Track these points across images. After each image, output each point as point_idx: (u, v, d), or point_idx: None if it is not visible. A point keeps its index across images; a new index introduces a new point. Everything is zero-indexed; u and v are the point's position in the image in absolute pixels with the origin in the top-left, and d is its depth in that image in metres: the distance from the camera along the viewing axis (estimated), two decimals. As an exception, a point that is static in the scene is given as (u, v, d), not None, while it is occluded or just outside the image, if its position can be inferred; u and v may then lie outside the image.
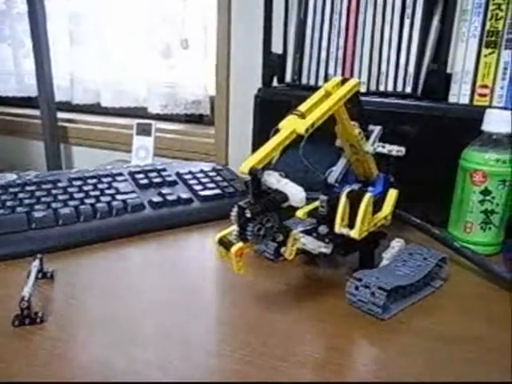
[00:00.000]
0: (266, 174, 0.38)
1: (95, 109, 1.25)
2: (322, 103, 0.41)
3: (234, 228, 0.40)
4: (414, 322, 0.43)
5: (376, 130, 0.48)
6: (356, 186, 0.49)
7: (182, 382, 0.35)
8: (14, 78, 1.32)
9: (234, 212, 0.39)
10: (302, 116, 0.39)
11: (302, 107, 0.41)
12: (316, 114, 0.40)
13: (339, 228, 0.44)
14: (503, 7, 0.59)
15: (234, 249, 0.39)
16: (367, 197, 0.44)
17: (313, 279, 0.51)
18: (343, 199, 0.44)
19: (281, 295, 0.47)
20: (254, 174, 0.37)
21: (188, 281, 0.49)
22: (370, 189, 0.50)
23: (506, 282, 0.49)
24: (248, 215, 0.37)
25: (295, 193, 0.38)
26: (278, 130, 0.39)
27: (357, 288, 0.44)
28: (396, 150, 0.48)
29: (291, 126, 0.39)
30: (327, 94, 0.42)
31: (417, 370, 0.37)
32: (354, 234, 0.44)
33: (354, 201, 0.44)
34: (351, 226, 0.45)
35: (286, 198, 0.38)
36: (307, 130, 0.39)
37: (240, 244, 0.39)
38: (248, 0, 0.91)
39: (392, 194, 0.50)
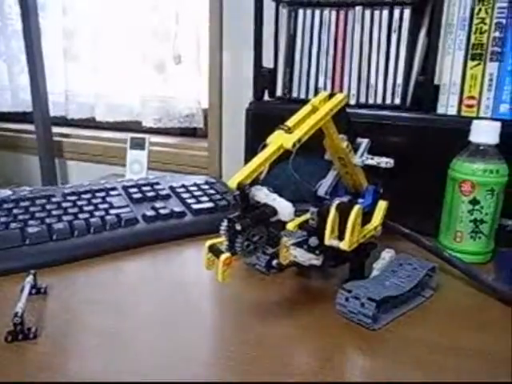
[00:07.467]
0: (254, 189, 0.39)
1: (90, 123, 1.25)
2: (309, 118, 0.42)
3: (223, 240, 0.40)
4: (405, 331, 0.43)
5: (364, 142, 0.49)
6: (346, 199, 0.50)
7: (183, 382, 0.36)
8: (9, 94, 1.32)
9: (224, 225, 0.39)
10: (289, 131, 0.40)
11: (290, 122, 0.41)
12: (303, 129, 0.40)
13: (329, 240, 0.45)
14: (487, 21, 0.60)
15: (223, 257, 0.39)
16: (356, 208, 0.45)
17: (304, 291, 0.51)
18: (333, 211, 0.45)
19: (272, 307, 0.47)
20: (242, 188, 0.38)
21: (181, 294, 0.50)
22: (360, 200, 0.50)
23: (494, 292, 0.49)
24: (238, 228, 0.38)
25: (284, 207, 0.39)
26: (265, 145, 0.40)
27: (347, 299, 0.44)
28: (385, 161, 0.49)
29: (278, 141, 0.40)
30: (314, 109, 0.43)
31: (407, 379, 0.37)
32: (344, 245, 0.44)
33: (344, 213, 0.45)
34: (341, 237, 0.45)
35: (275, 212, 0.39)
36: (294, 145, 0.39)
37: (227, 254, 0.40)
38: (239, 16, 0.93)
39: (381, 206, 0.51)
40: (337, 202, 0.45)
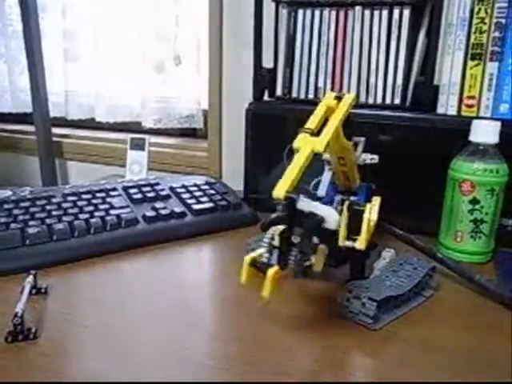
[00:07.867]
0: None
1: (90, 124, 1.25)
2: (329, 120, 0.41)
3: (263, 251, 0.38)
4: (406, 331, 0.43)
5: (361, 141, 0.49)
6: (338, 197, 0.49)
7: (183, 382, 0.36)
8: (9, 95, 1.32)
9: (271, 237, 0.37)
10: (313, 133, 0.39)
11: (310, 124, 0.40)
12: (329, 131, 0.39)
13: (343, 241, 0.43)
14: (486, 21, 0.60)
15: (272, 271, 0.37)
16: (369, 207, 0.44)
17: (304, 291, 0.51)
18: (345, 212, 0.43)
19: (272, 307, 0.47)
20: (291, 198, 0.36)
21: (182, 294, 0.50)
22: (353, 198, 0.50)
23: (487, 292, 0.49)
24: (295, 241, 0.36)
25: (330, 215, 0.38)
26: (292, 150, 0.39)
27: (348, 299, 0.44)
28: (370, 158, 0.49)
29: (308, 145, 0.38)
30: (329, 110, 0.42)
31: (408, 379, 0.37)
32: (360, 245, 0.42)
33: (353, 212, 0.44)
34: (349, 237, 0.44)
35: (323, 220, 0.38)
36: (326, 148, 0.38)
37: (277, 267, 0.37)
38: (239, 16, 0.93)
39: (376, 201, 0.50)
40: (346, 202, 0.45)
